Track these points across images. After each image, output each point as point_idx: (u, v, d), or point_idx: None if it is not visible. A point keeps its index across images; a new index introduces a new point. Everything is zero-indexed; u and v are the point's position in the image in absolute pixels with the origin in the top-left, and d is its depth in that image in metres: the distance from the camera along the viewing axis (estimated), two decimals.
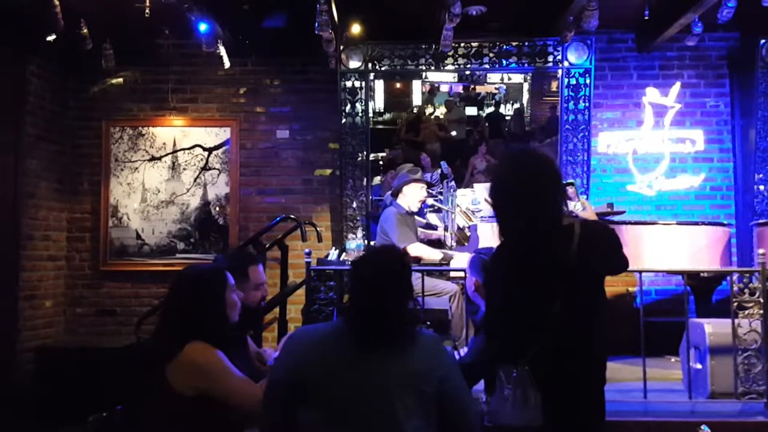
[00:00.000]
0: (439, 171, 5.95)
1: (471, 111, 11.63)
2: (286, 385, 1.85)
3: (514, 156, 2.31)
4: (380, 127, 10.04)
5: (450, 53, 5.52)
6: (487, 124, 10.45)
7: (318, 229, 5.22)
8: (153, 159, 5.83)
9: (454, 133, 9.83)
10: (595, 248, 2.09)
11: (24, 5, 4.08)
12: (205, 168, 5.84)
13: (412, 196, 4.65)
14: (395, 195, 4.70)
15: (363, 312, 1.88)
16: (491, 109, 11.44)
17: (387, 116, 11.10)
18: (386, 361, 1.82)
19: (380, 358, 1.83)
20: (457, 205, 5.25)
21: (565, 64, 5.53)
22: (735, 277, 3.72)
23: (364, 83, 5.65)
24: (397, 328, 1.89)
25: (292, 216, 5.22)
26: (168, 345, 2.11)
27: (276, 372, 1.94)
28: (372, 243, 5.41)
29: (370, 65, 5.63)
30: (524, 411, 1.93)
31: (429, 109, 11.12)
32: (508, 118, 11.21)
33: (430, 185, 5.00)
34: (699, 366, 3.79)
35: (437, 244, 5.12)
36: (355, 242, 5.49)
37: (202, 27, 4.92)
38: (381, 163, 8.28)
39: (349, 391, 1.79)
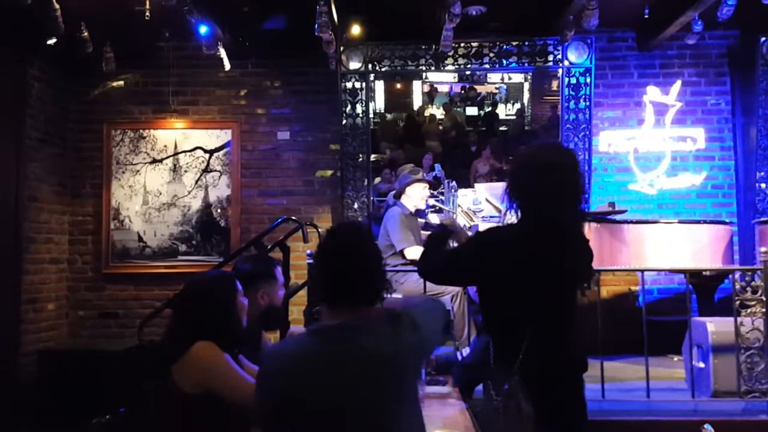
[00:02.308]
0: (433, 174, 5.95)
1: (471, 111, 11.65)
2: (269, 404, 1.75)
3: (555, 147, 2.31)
4: (381, 128, 10.05)
5: (450, 53, 5.52)
6: (480, 124, 10.48)
7: (319, 230, 5.19)
8: (154, 161, 5.83)
9: (453, 134, 9.83)
10: (587, 256, 2.16)
11: (25, 8, 4.08)
12: (207, 170, 5.84)
13: (415, 195, 4.65)
14: (398, 196, 4.71)
15: (330, 276, 1.75)
16: (489, 110, 11.47)
17: (388, 117, 11.11)
18: (357, 366, 1.67)
19: (350, 366, 1.67)
20: (459, 206, 5.25)
21: (566, 63, 5.53)
22: (737, 275, 3.72)
23: (364, 84, 5.66)
24: (362, 288, 1.72)
25: (294, 217, 5.20)
26: (177, 344, 2.13)
27: (257, 392, 1.82)
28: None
29: (370, 66, 5.64)
30: (516, 424, 1.88)
31: (429, 110, 11.14)
32: (503, 118, 11.23)
33: (431, 184, 5.00)
34: (702, 365, 3.78)
35: None
36: None
37: (203, 29, 4.92)
38: (382, 163, 8.29)
39: (328, 404, 1.66)
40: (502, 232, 2.22)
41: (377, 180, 7.24)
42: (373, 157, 6.22)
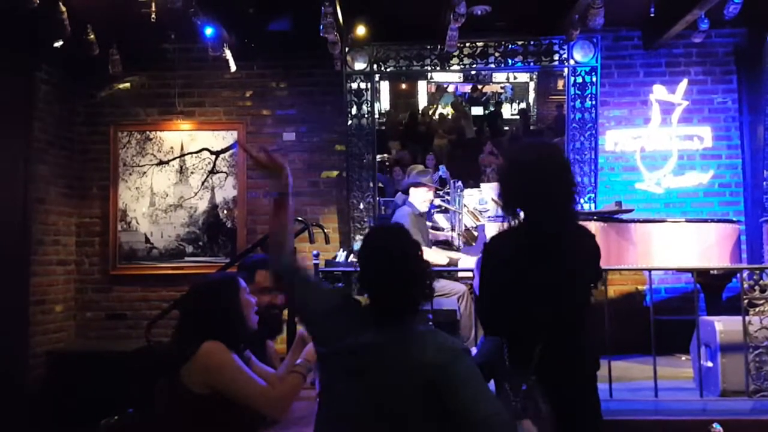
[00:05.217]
0: (438, 174, 5.96)
1: (477, 111, 11.65)
2: None
3: (544, 145, 2.28)
4: (386, 128, 10.04)
5: (455, 53, 5.52)
6: (485, 124, 10.47)
7: (325, 230, 5.22)
8: (161, 163, 5.85)
9: (456, 134, 9.82)
10: (590, 253, 2.14)
11: (31, 11, 4.10)
12: (213, 171, 5.86)
13: (417, 197, 4.68)
14: (405, 193, 4.75)
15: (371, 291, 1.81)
16: (492, 109, 11.48)
17: (392, 116, 11.10)
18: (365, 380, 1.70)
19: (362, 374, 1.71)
20: (465, 205, 5.25)
21: (571, 62, 5.51)
22: (745, 274, 3.71)
23: (369, 84, 5.65)
24: (399, 301, 1.77)
25: (300, 218, 5.22)
26: (185, 345, 2.15)
27: None
28: None
29: (375, 66, 5.64)
30: (535, 425, 1.88)
31: (436, 109, 11.14)
32: (508, 117, 11.22)
33: (436, 189, 5.01)
34: (710, 364, 3.77)
35: (445, 244, 5.12)
36: None
37: (208, 31, 4.94)
38: (387, 163, 8.29)
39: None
40: (502, 238, 2.15)
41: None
42: (378, 157, 6.20)
